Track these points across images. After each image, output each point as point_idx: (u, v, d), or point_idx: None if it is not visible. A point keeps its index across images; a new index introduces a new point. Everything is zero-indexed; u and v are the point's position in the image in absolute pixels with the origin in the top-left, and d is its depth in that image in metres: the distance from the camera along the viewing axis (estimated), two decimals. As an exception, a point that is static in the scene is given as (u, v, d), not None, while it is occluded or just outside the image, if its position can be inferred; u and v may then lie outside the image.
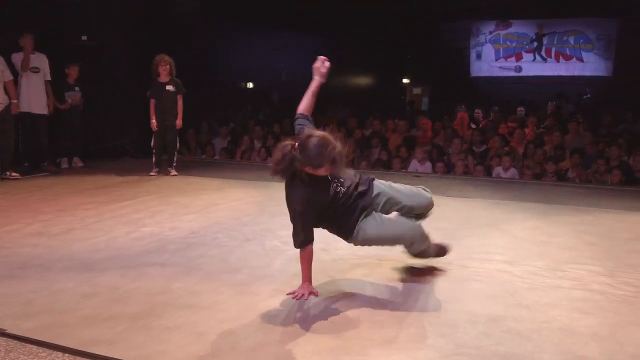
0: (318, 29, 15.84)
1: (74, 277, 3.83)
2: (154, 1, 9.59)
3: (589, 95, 17.25)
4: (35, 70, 7.76)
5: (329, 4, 14.74)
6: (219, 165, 9.01)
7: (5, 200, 6.22)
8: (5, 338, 2.97)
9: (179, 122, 7.88)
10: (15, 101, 7.43)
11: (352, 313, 3.27)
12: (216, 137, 11.02)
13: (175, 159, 7.93)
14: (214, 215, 5.57)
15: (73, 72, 8.38)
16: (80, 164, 8.56)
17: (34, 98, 7.76)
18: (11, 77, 7.41)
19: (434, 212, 5.62)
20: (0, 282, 3.73)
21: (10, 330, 3.02)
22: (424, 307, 3.36)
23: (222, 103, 13.07)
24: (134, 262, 4.16)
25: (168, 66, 7.73)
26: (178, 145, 8.09)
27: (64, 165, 8.45)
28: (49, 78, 7.96)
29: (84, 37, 8.49)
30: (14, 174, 7.43)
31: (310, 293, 3.52)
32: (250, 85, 15.31)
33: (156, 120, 7.77)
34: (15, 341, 2.94)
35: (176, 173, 7.83)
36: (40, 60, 7.83)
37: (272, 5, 13.35)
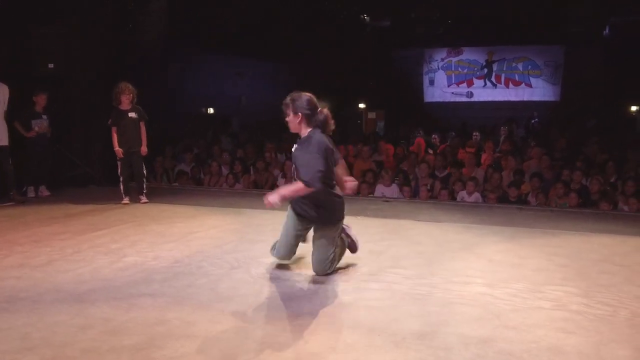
0: (276, 56, 16.08)
1: (65, 310, 3.81)
2: (119, 29, 9.58)
3: (537, 119, 17.96)
4: None
5: (285, 31, 15.02)
6: (188, 192, 9.00)
7: (-26, 231, 6.08)
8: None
9: (144, 149, 7.86)
10: None
11: (349, 338, 3.37)
12: (181, 163, 11.00)
13: (145, 186, 7.90)
14: (195, 243, 5.59)
15: (41, 100, 8.27)
16: (47, 193, 8.41)
17: None
18: None
19: (411, 236, 5.88)
20: (-10, 316, 3.69)
21: (13, 365, 3.01)
22: (418, 330, 3.49)
23: (185, 129, 13.07)
24: (122, 293, 4.16)
25: (131, 95, 7.73)
26: (145, 172, 8.05)
27: (31, 194, 8.29)
28: (4, 109, 7.71)
29: (51, 65, 8.40)
30: None
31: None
32: (211, 110, 15.35)
33: (120, 147, 7.74)
34: (19, 377, 2.94)
35: (147, 200, 7.80)
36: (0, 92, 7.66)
37: (232, 32, 13.52)
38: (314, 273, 4.53)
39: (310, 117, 4.36)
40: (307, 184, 4.16)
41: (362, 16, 18.16)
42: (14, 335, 3.38)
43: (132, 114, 7.75)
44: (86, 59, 9.05)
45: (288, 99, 4.39)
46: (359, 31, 17.88)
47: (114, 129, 7.73)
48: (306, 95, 4.41)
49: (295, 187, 4.24)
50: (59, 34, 8.61)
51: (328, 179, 4.35)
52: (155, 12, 9.92)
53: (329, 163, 4.32)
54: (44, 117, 8.32)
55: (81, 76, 9.03)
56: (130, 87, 7.73)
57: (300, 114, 4.34)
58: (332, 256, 4.49)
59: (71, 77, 8.95)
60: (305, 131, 4.39)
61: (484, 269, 4.78)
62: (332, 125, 4.44)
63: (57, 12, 8.76)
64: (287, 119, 4.41)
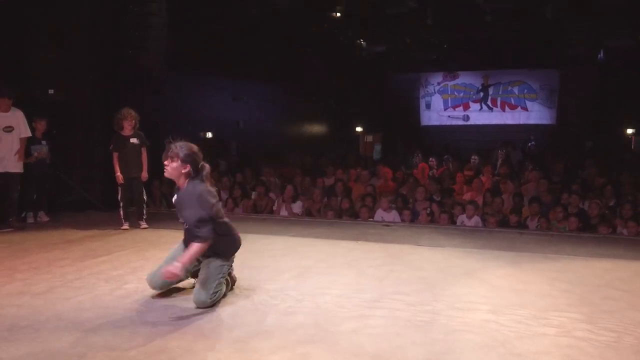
0: (273, 80, 16.18)
1: (66, 338, 3.77)
2: (118, 54, 9.65)
3: (533, 143, 18.04)
4: (8, 129, 7.64)
5: (283, 55, 15.14)
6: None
7: (-26, 258, 6.04)
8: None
9: (144, 175, 7.87)
10: None
11: (355, 367, 3.35)
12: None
13: (145, 211, 7.88)
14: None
15: (40, 126, 8.29)
16: (46, 219, 8.39)
17: (6, 157, 7.64)
18: None
19: (412, 261, 5.86)
20: (-10, 345, 3.65)
21: (16, 397, 2.97)
22: (423, 359, 3.47)
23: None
24: (124, 321, 4.12)
25: (133, 121, 7.76)
26: (146, 197, 8.05)
27: (30, 219, 8.26)
28: (25, 135, 7.82)
29: (51, 91, 8.44)
30: None
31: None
32: (209, 134, 15.38)
33: (121, 173, 7.75)
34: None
35: (147, 226, 7.78)
36: (14, 118, 7.70)
37: (229, 56, 13.61)
38: (316, 303, 4.51)
39: (195, 170, 4.45)
40: (202, 240, 4.33)
41: (358, 41, 18.34)
42: (16, 365, 3.35)
43: (133, 140, 7.78)
44: (85, 85, 9.09)
45: (177, 148, 4.40)
46: (355, 55, 18.02)
47: (115, 155, 7.75)
48: (195, 147, 4.52)
49: (194, 250, 4.34)
50: (61, 60, 8.65)
51: (216, 222, 4.45)
52: (154, 37, 10.00)
53: (215, 208, 4.43)
54: (44, 142, 8.33)
55: (80, 101, 9.07)
56: (133, 113, 7.77)
57: (188, 165, 4.40)
58: (215, 288, 4.41)
59: (71, 103, 8.98)
60: (184, 182, 4.46)
61: (487, 295, 4.76)
62: (210, 179, 4.61)
63: (60, 39, 8.82)
64: (171, 165, 4.40)
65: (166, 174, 4.49)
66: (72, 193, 9.17)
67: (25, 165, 8.05)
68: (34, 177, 8.24)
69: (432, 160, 13.31)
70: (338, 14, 15.88)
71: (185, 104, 13.46)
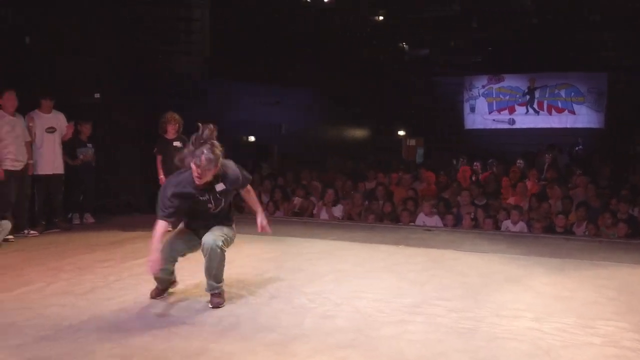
0: (315, 84, 16.20)
1: (106, 338, 3.81)
2: (162, 61, 9.80)
3: (581, 146, 17.56)
4: (51, 130, 7.85)
5: (325, 59, 15.13)
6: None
7: (22, 258, 6.18)
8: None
9: None
10: (31, 162, 7.54)
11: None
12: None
13: (185, 213, 7.94)
14: (234, 271, 5.53)
15: (85, 129, 8.47)
16: (92, 220, 8.56)
17: (51, 158, 7.84)
18: (29, 139, 7.54)
19: (454, 267, 5.74)
20: (33, 344, 3.70)
21: (55, 395, 3.00)
22: (465, 366, 3.38)
23: (226, 156, 13.18)
24: (162, 322, 4.16)
25: (177, 125, 7.86)
26: (187, 200, 8.11)
27: (76, 221, 8.44)
28: (65, 137, 8.06)
29: (97, 95, 8.62)
30: (32, 231, 7.46)
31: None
32: (251, 138, 15.50)
33: (164, 175, 7.83)
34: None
35: (187, 228, 7.84)
36: (57, 120, 7.93)
37: (272, 61, 13.70)
38: (355, 307, 4.45)
39: None
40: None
41: (401, 44, 18.20)
42: (57, 363, 3.40)
43: (176, 143, 7.86)
44: (131, 89, 9.27)
45: (207, 158, 4.30)
46: (397, 59, 17.91)
47: (159, 158, 7.85)
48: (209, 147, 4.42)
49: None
50: (106, 65, 8.84)
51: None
52: (196, 43, 10.12)
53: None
54: (89, 145, 8.51)
55: (125, 105, 9.24)
56: (177, 117, 7.87)
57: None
58: (225, 234, 4.57)
59: (116, 106, 9.16)
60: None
61: (531, 302, 4.62)
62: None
63: (105, 44, 9.02)
64: (211, 172, 4.37)
65: (204, 179, 4.39)
66: (117, 195, 9.32)
67: (72, 168, 8.24)
68: (80, 180, 8.42)
69: (477, 165, 13.08)
70: (380, 17, 15.83)
71: (228, 108, 13.60)
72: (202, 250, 4.51)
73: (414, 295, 4.77)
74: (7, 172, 7.17)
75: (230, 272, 5.48)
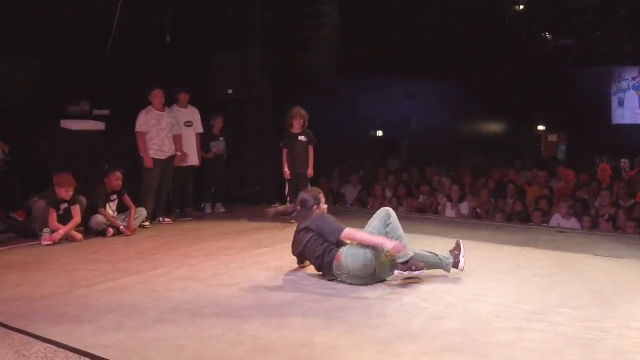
0: (447, 77, 15.78)
1: (220, 324, 3.96)
2: (293, 55, 10.01)
3: None
4: (189, 124, 8.33)
5: (457, 51, 14.65)
6: (351, 214, 9.03)
7: (155, 243, 6.64)
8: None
9: (310, 172, 8.09)
10: (180, 154, 8.08)
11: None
12: (346, 184, 11.16)
13: (309, 207, 8.07)
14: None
15: (217, 123, 8.88)
16: (222, 210, 8.98)
17: (187, 150, 8.31)
18: (180, 132, 8.09)
19: (585, 272, 5.33)
20: (152, 325, 3.93)
21: (164, 377, 3.15)
22: (583, 381, 3.11)
23: (353, 151, 13.28)
24: (275, 311, 4.24)
25: (302, 120, 8.01)
26: (310, 193, 8.22)
27: (208, 210, 8.89)
28: (200, 130, 8.52)
29: (230, 91, 9.00)
30: (167, 219, 7.97)
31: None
32: (379, 133, 15.45)
33: (289, 169, 8.01)
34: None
35: (311, 221, 7.97)
36: (193, 114, 8.41)
37: (401, 54, 13.50)
38: (468, 310, 4.28)
39: None
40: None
41: (543, 34, 17.21)
42: (170, 345, 3.57)
43: (302, 137, 8.04)
44: (260, 85, 9.58)
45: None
46: (539, 49, 16.93)
47: (284, 151, 8.06)
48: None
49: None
50: (237, 62, 9.19)
51: None
52: (327, 38, 10.20)
53: None
54: (221, 139, 8.91)
55: (256, 100, 9.57)
56: (302, 112, 8.04)
57: None
58: None
59: (247, 102, 9.52)
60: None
61: (670, 315, 4.16)
62: None
63: (235, 41, 9.38)
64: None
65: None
66: (247, 187, 9.69)
67: (204, 160, 8.69)
68: (212, 171, 8.85)
69: (625, 162, 12.10)
70: (521, 7, 15.04)
71: (357, 102, 13.66)
72: None
73: (536, 301, 4.48)
74: (151, 160, 7.71)
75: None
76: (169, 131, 7.89)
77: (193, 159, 8.41)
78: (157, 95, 7.76)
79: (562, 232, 7.51)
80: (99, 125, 8.03)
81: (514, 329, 3.88)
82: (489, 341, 3.67)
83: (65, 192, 6.59)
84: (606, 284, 5.00)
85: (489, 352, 3.50)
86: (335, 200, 10.60)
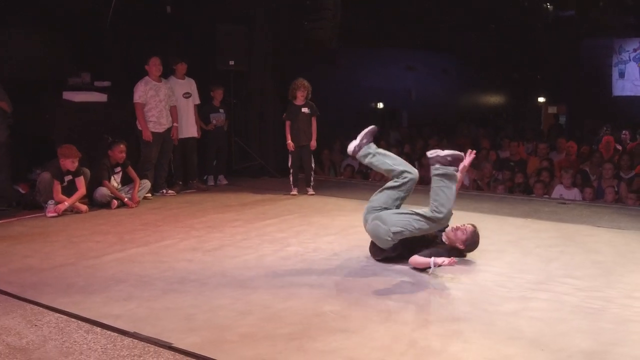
0: (448, 48, 15.66)
1: (229, 294, 4.01)
2: (295, 27, 9.93)
3: None
4: (187, 95, 8.29)
5: (458, 22, 14.52)
6: (354, 186, 9.08)
7: (160, 215, 6.67)
8: (172, 352, 3.16)
9: (313, 143, 8.08)
10: (176, 125, 8.02)
11: (508, 350, 3.15)
12: (348, 157, 11.12)
13: (312, 178, 8.11)
14: (354, 237, 5.57)
15: (218, 94, 8.83)
16: (225, 182, 8.99)
17: (185, 122, 8.28)
18: (175, 103, 8.02)
19: (587, 243, 5.37)
20: (163, 296, 3.99)
21: (177, 344, 3.20)
22: (587, 349, 3.16)
23: (353, 123, 13.23)
24: (283, 282, 4.29)
25: (306, 91, 7.97)
26: (314, 165, 8.25)
27: (210, 182, 8.90)
28: (197, 102, 8.47)
29: (232, 62, 8.94)
30: (170, 191, 7.99)
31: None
32: (380, 105, 15.40)
33: (292, 141, 8.01)
34: (182, 355, 3.12)
35: (314, 193, 8.02)
36: (190, 85, 8.35)
37: (402, 26, 13.38)
38: (474, 280, 4.34)
39: None
40: None
41: (545, 5, 17.03)
42: (181, 315, 3.62)
43: (305, 109, 8.01)
44: (264, 56, 9.53)
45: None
46: (540, 20, 16.78)
47: (287, 123, 8.04)
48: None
49: None
50: (240, 33, 9.12)
51: None
52: (329, 9, 10.10)
53: None
54: (221, 111, 8.87)
55: (259, 72, 9.52)
56: (306, 83, 7.98)
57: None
58: None
59: (250, 74, 9.47)
60: None
61: (671, 286, 4.22)
62: None
63: (238, 12, 9.29)
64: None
65: None
66: (250, 159, 9.69)
67: (205, 132, 8.67)
68: (214, 144, 8.84)
69: (625, 133, 12.10)
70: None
71: (358, 74, 13.58)
72: None
73: (539, 272, 4.53)
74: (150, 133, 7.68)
75: (350, 237, 5.59)
76: (167, 102, 7.83)
77: (192, 131, 8.39)
78: (155, 63, 7.64)
79: (564, 203, 7.55)
80: (102, 97, 7.96)
81: (519, 299, 3.94)
82: (495, 310, 3.73)
83: (71, 164, 6.59)
84: (608, 254, 5.06)
85: (495, 320, 3.56)
86: (337, 172, 10.61)
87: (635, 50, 18.42)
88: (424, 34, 14.15)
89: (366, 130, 4.84)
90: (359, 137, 4.85)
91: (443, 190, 4.36)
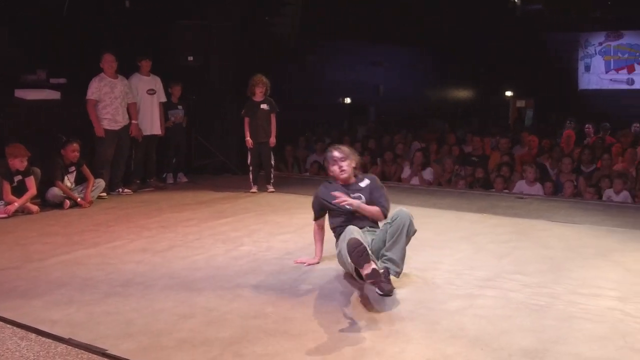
0: (415, 42, 15.66)
1: (173, 297, 3.93)
2: (256, 21, 9.84)
3: None
4: (152, 92, 8.14)
5: (425, 16, 14.52)
6: (316, 182, 8.98)
7: (112, 215, 6.53)
8: (105, 359, 3.07)
9: (272, 140, 7.99)
10: (135, 122, 7.86)
11: (448, 349, 3.12)
12: (312, 153, 11.09)
13: (272, 175, 8.04)
14: (310, 236, 5.45)
15: (176, 91, 8.68)
16: (185, 180, 8.87)
17: (150, 120, 8.14)
18: (134, 100, 7.86)
19: (540, 238, 5.40)
20: (103, 300, 3.88)
21: (111, 350, 3.12)
22: (528, 347, 3.15)
23: (320, 119, 13.19)
24: (230, 283, 4.22)
25: (264, 87, 7.88)
26: (274, 162, 8.17)
27: (169, 180, 8.77)
28: (163, 99, 8.33)
29: (190, 58, 8.80)
30: (126, 190, 7.84)
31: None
32: (347, 100, 15.35)
33: (251, 137, 7.92)
34: (115, 362, 3.04)
35: (273, 190, 7.95)
36: (155, 82, 8.21)
37: (369, 20, 13.33)
38: (423, 278, 4.32)
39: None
40: (385, 211, 4.35)
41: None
42: (120, 320, 3.53)
43: (264, 106, 7.92)
44: (223, 52, 9.40)
45: (344, 150, 4.57)
46: (507, 15, 16.89)
47: (246, 119, 7.94)
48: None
49: (375, 210, 4.36)
50: (199, 28, 8.98)
51: None
52: (291, 4, 10.03)
53: None
54: (180, 107, 8.72)
55: (218, 68, 9.40)
56: (264, 79, 7.89)
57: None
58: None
59: (208, 69, 9.34)
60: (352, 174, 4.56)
61: (618, 280, 4.26)
62: None
63: (196, 7, 9.15)
64: (350, 165, 4.52)
65: (344, 175, 4.51)
66: (211, 156, 9.58)
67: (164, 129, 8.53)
68: (172, 141, 8.70)
69: (589, 127, 12.21)
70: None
71: (323, 69, 13.51)
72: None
73: (490, 268, 4.54)
74: (105, 131, 7.52)
75: (306, 235, 5.51)
76: (123, 99, 7.66)
77: (156, 128, 8.25)
78: (109, 60, 7.47)
79: (522, 198, 7.60)
80: (55, 95, 7.77)
81: (466, 296, 3.93)
82: (440, 309, 3.72)
83: (19, 163, 6.42)
84: (559, 249, 5.09)
85: (439, 319, 3.54)
86: (301, 169, 10.55)
87: (600, 44, 18.68)
88: (390, 28, 14.11)
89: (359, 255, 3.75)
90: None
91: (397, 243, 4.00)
